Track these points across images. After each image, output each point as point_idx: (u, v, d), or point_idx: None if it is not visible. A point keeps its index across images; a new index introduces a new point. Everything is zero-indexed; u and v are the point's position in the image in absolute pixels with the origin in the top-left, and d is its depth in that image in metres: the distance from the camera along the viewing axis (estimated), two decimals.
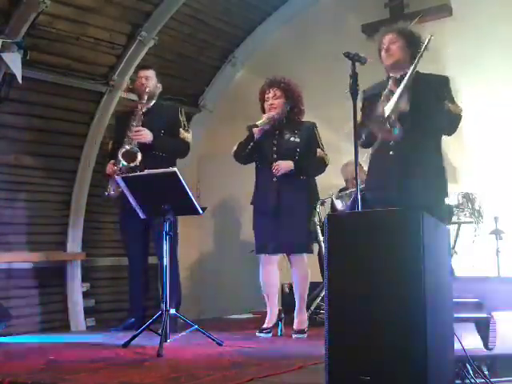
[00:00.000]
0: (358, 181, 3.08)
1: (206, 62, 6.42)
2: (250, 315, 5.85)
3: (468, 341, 2.53)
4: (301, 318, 4.32)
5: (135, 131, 4.63)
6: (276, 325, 4.32)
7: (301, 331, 4.23)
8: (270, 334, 4.26)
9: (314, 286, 5.10)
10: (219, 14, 5.99)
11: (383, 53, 3.54)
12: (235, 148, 4.37)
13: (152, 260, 5.01)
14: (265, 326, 4.32)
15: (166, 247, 3.77)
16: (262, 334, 4.26)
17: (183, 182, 3.70)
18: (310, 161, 4.28)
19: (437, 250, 2.34)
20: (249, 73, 6.47)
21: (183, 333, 3.81)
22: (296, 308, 4.35)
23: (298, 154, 4.24)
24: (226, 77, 6.58)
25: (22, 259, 5.19)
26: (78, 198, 5.56)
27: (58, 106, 5.35)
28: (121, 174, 4.28)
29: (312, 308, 4.84)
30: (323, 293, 4.43)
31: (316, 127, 4.37)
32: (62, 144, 5.47)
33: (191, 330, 3.77)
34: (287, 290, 5.31)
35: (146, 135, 4.64)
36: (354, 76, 3.12)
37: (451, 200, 4.69)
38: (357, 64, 3.14)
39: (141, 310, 4.79)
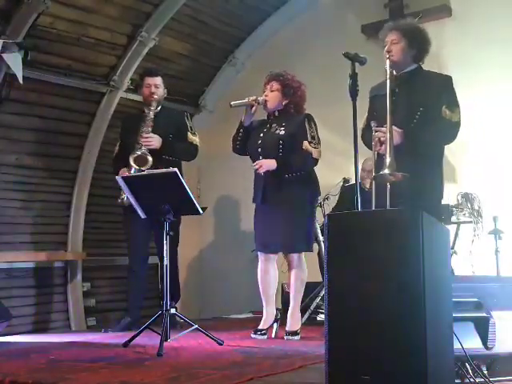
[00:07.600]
0: (358, 180, 3.08)
1: (206, 63, 6.42)
2: (250, 315, 5.85)
3: (468, 340, 2.54)
4: (294, 320, 4.17)
5: (145, 137, 4.65)
6: (271, 326, 4.17)
7: (293, 333, 4.09)
8: (266, 336, 4.13)
9: (313, 286, 5.10)
10: (219, 14, 5.99)
11: (385, 51, 3.50)
12: (231, 142, 4.32)
13: (152, 260, 5.03)
14: (260, 327, 4.19)
15: (166, 247, 3.78)
16: (256, 336, 4.13)
17: (183, 182, 3.70)
18: (295, 157, 4.03)
19: (437, 250, 2.35)
20: (249, 73, 6.47)
21: (183, 332, 3.82)
22: (290, 309, 4.20)
23: (282, 147, 4.04)
24: (226, 77, 6.58)
25: (23, 259, 5.20)
26: (78, 198, 5.58)
27: (59, 107, 5.36)
28: None
29: (312, 308, 4.84)
30: (323, 293, 4.44)
31: (309, 118, 4.11)
32: (62, 144, 5.48)
33: (191, 329, 3.78)
34: (288, 289, 5.30)
35: (156, 142, 4.68)
36: (354, 76, 3.12)
37: (450, 200, 4.69)
38: (356, 64, 3.15)
39: (138, 310, 4.81)
